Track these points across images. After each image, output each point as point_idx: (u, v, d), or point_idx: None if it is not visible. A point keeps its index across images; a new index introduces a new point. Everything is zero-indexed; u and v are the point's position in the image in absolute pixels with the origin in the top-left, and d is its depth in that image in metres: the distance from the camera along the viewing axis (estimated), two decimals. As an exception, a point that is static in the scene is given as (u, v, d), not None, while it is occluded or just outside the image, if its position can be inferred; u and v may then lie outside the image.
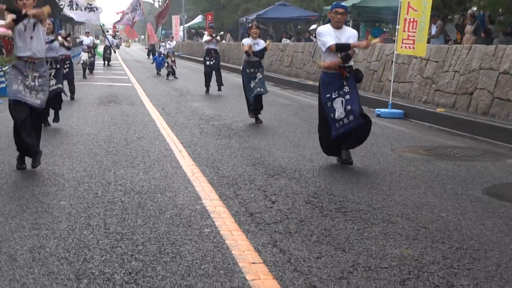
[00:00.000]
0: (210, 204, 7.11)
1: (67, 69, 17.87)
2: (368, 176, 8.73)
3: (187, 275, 4.98)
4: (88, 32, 34.06)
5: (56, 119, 13.76)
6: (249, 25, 16.90)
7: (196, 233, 6.08)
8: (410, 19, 15.64)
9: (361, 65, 20.36)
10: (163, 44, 32.00)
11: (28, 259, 5.29)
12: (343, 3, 9.40)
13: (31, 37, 8.54)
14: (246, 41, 14.30)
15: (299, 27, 40.66)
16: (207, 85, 22.27)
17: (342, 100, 9.07)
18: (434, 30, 22.25)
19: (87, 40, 31.54)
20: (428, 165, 9.55)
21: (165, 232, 6.10)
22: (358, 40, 9.46)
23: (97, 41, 42.06)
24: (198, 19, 72.38)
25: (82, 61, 29.60)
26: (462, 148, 11.31)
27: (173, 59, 29.49)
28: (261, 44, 14.28)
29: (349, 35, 9.22)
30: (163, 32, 69.85)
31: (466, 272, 5.14)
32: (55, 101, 13.51)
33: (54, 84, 13.39)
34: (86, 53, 30.16)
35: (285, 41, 32.90)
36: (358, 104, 9.07)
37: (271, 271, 5.08)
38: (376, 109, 16.13)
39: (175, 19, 65.37)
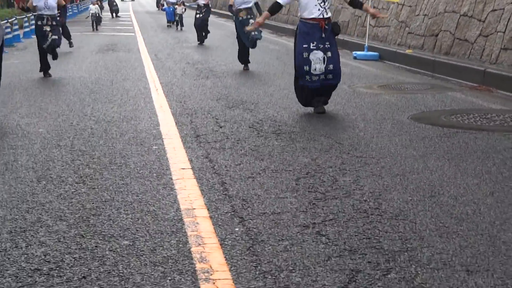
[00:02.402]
0: (165, 129, 8.34)
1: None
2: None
3: (125, 177, 6.23)
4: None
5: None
6: None
7: (145, 149, 7.32)
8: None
9: (347, 11, 21.37)
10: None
11: (2, 169, 6.54)
12: None
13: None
14: None
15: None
16: (200, 37, 22.30)
17: (324, 57, 9.07)
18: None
19: (94, -7, 32.50)
20: (373, 97, 10.70)
21: (120, 149, 7.35)
22: None
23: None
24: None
25: (91, 14, 30.42)
26: (415, 83, 12.43)
27: (183, 10, 30.12)
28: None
29: None
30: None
31: (354, 172, 6.33)
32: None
33: (51, 36, 13.87)
34: (95, 5, 30.99)
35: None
36: (339, 62, 9.21)
37: (195, 173, 6.31)
38: (353, 52, 17.19)
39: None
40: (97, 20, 32.17)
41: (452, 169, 6.42)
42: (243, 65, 14.73)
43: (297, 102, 9.63)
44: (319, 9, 9.03)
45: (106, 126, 8.54)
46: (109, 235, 4.72)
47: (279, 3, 9.22)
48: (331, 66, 9.15)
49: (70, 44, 19.96)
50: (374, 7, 18.01)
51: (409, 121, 8.77)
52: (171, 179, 6.16)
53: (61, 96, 11.01)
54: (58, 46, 14.27)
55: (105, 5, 47.83)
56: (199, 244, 4.54)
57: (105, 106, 10.00)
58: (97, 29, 30.32)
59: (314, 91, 9.29)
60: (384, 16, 11.12)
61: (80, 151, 7.28)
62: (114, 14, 42.63)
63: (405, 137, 7.82)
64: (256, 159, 6.85)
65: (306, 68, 9.11)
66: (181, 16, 30.01)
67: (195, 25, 22.33)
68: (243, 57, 14.65)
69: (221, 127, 8.46)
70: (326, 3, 9.03)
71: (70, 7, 42.49)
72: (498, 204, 5.36)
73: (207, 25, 22.27)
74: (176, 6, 30.24)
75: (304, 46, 9.12)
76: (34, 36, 18.95)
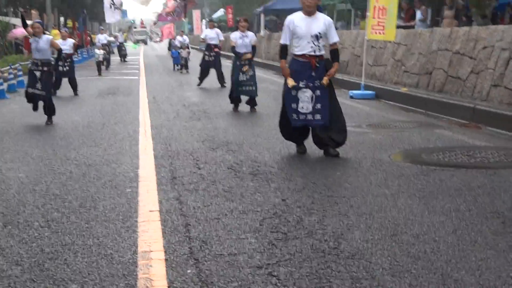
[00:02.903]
0: (143, 172, 8.35)
1: (67, 67, 19.27)
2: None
3: (91, 220, 6.22)
4: (102, 29, 35.52)
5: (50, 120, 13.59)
6: (238, 18, 17.28)
7: (118, 192, 7.32)
8: (379, 6, 16.70)
9: (347, 51, 21.46)
10: (178, 38, 32.90)
11: (-29, 213, 6.57)
12: None
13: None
14: (234, 35, 15.18)
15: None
16: (202, 78, 22.05)
17: (313, 96, 8.95)
18: (419, 15, 23.20)
19: (101, 38, 32.79)
20: (359, 136, 10.69)
21: (94, 192, 7.35)
22: (329, 27, 8.99)
23: (113, 38, 43.34)
24: (220, 12, 73.58)
25: (97, 59, 30.63)
26: (405, 122, 12.42)
27: (189, 53, 30.45)
28: (250, 36, 15.08)
29: (320, 23, 8.90)
30: (189, 26, 71.52)
31: (321, 212, 6.30)
32: (46, 109, 13.58)
33: (40, 88, 13.40)
34: (101, 51, 31.27)
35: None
36: (330, 105, 9.00)
37: (161, 215, 6.30)
38: (350, 91, 17.22)
39: (196, 13, 66.75)
40: (106, 64, 32.57)
41: (421, 207, 6.39)
42: (232, 105, 14.81)
43: (282, 141, 9.64)
44: (311, 46, 8.92)
45: (86, 170, 8.56)
46: (60, 279, 4.72)
47: (284, 44, 9.15)
48: (318, 105, 9.02)
49: (75, 93, 19.91)
50: (372, 47, 18.11)
51: (389, 160, 8.75)
52: (136, 221, 6.15)
53: (48, 141, 11.07)
54: (41, 100, 13.54)
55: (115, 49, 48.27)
56: (147, 287, 4.51)
57: (90, 150, 10.03)
58: (105, 70, 30.61)
59: (298, 129, 9.25)
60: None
61: (53, 195, 7.29)
62: (122, 58, 43.00)
63: (381, 176, 7.80)
64: (226, 200, 6.83)
65: (293, 105, 9.06)
66: (186, 59, 30.25)
67: (201, 65, 22.25)
68: (233, 93, 14.81)
69: (199, 169, 8.47)
70: (320, 41, 8.92)
71: (79, 53, 42.98)
72: (458, 242, 5.33)
73: (222, 72, 21.90)
74: (181, 50, 30.47)
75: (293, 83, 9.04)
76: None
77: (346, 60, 21.70)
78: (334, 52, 9.09)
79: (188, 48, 30.83)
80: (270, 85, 21.67)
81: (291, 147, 9.67)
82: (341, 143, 9.13)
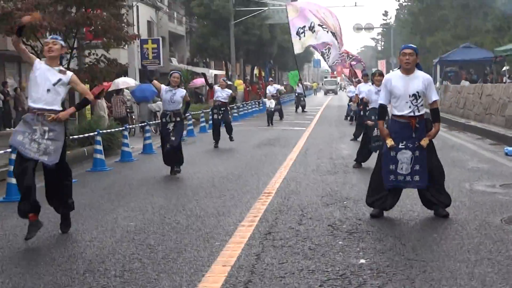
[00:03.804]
0: (244, 225, 8.48)
1: (221, 114, 19.98)
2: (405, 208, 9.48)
3: (162, 272, 6.44)
4: (271, 81, 36.39)
5: (176, 170, 13.74)
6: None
7: (207, 245, 7.50)
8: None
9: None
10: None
11: (64, 256, 6.98)
12: (413, 45, 9.01)
13: (48, 90, 8.14)
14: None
15: (488, 68, 40.57)
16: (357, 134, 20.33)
17: (412, 157, 8.69)
18: None
19: (271, 89, 33.55)
20: (484, 196, 10.23)
21: (185, 244, 7.59)
22: (428, 85, 8.78)
23: (282, 88, 44.19)
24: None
25: (268, 110, 31.30)
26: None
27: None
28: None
29: (419, 82, 8.68)
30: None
31: (391, 276, 6.14)
32: (174, 157, 13.74)
33: (171, 137, 13.57)
34: (272, 101, 31.90)
35: (463, 83, 33.24)
36: (427, 166, 8.71)
37: (231, 271, 6.41)
38: (505, 148, 16.41)
39: (381, 63, 66.76)
40: (280, 114, 33.33)
41: (497, 278, 6.06)
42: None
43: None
44: (410, 107, 8.69)
45: (193, 221, 8.84)
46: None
47: (382, 104, 8.99)
48: (417, 167, 8.68)
49: (231, 138, 20.49)
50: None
51: (499, 223, 8.35)
52: (203, 275, 6.28)
53: (179, 190, 11.59)
54: (173, 147, 13.59)
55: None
56: None
57: (211, 201, 10.33)
58: (279, 121, 31.33)
59: (392, 191, 8.92)
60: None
61: (147, 245, 7.61)
62: (301, 108, 43.73)
63: (478, 240, 7.50)
64: (304, 259, 6.83)
65: (392, 167, 8.75)
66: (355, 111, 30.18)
67: (357, 119, 21.98)
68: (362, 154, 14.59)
69: (299, 224, 8.50)
70: (419, 100, 8.70)
71: (254, 102, 44.17)
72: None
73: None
74: (352, 102, 30.51)
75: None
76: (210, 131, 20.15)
77: (512, 114, 20.85)
78: (435, 111, 8.84)
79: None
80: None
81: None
82: (448, 204, 8.80)
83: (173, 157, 13.76)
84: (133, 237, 8.01)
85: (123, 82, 27.54)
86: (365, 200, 9.11)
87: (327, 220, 8.71)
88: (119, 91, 26.39)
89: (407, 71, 8.74)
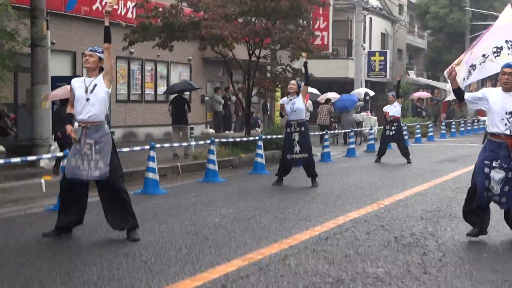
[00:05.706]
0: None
1: (393, 131, 19.47)
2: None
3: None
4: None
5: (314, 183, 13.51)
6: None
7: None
8: None
9: None
10: None
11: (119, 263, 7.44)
12: None
13: (88, 99, 8.05)
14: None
15: None
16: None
17: (504, 178, 8.26)
18: None
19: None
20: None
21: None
22: None
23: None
24: None
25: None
26: None
27: None
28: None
29: None
30: None
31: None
32: (308, 169, 13.59)
33: (297, 151, 13.37)
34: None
35: None
36: None
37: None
38: None
39: None
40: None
41: None
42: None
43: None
44: (505, 124, 8.24)
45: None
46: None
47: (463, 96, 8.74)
48: (506, 188, 8.23)
49: (408, 160, 19.33)
50: None
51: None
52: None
53: (279, 200, 11.61)
54: (302, 163, 13.55)
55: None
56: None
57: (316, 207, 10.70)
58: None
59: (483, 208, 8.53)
60: None
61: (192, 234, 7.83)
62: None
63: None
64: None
65: (486, 183, 8.31)
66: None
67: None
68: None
69: (378, 268, 7.31)
70: None
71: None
72: None
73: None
74: None
75: (485, 161, 8.37)
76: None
77: None
78: None
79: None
80: None
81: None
82: None
83: (307, 172, 13.71)
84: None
85: (331, 93, 29.86)
86: None
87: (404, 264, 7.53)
88: (328, 101, 28.19)
89: (508, 89, 8.38)
